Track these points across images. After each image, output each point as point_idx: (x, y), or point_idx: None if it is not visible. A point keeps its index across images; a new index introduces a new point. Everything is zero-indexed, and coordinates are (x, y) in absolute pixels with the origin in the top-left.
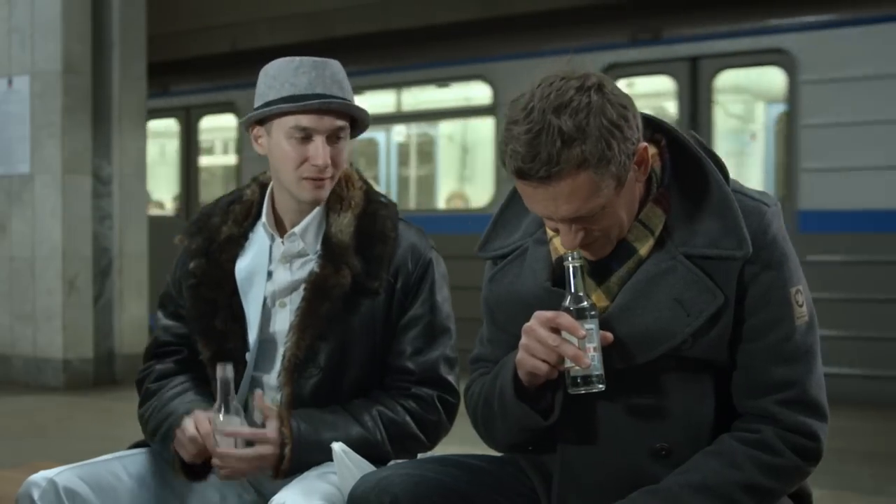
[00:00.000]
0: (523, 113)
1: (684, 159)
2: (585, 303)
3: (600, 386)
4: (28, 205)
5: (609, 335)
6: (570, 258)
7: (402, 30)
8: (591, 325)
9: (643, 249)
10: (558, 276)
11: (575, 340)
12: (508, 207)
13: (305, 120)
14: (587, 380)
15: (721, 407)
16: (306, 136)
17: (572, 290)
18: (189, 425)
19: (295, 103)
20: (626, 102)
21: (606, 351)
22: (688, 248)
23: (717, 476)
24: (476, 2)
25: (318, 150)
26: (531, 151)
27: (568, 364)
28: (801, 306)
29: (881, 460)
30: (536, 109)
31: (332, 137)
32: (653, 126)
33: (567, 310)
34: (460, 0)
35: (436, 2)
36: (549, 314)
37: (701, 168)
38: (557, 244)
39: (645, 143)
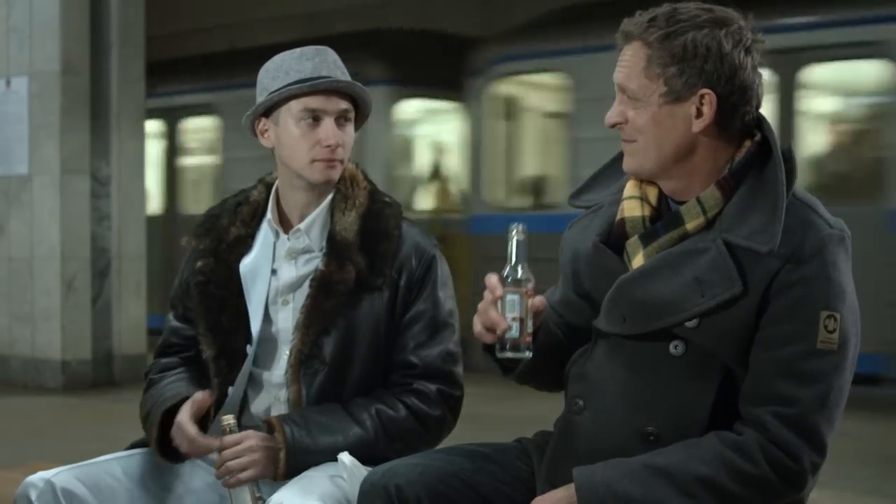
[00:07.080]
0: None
1: (764, 159)
2: (520, 273)
3: (521, 354)
4: (26, 205)
5: (540, 303)
6: (514, 230)
7: None
8: (515, 295)
9: (690, 225)
10: (614, 236)
11: (506, 306)
12: (610, 167)
13: (314, 102)
14: (503, 345)
15: (723, 411)
16: (315, 117)
17: (511, 260)
18: (185, 419)
19: (303, 84)
20: (742, 61)
21: (614, 309)
22: (729, 235)
23: (680, 464)
24: None
25: (329, 130)
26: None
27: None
28: (830, 332)
29: (880, 460)
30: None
31: (341, 119)
32: (759, 124)
33: (503, 277)
34: None
35: None
36: (488, 279)
37: (774, 170)
38: (625, 206)
39: (709, 92)
